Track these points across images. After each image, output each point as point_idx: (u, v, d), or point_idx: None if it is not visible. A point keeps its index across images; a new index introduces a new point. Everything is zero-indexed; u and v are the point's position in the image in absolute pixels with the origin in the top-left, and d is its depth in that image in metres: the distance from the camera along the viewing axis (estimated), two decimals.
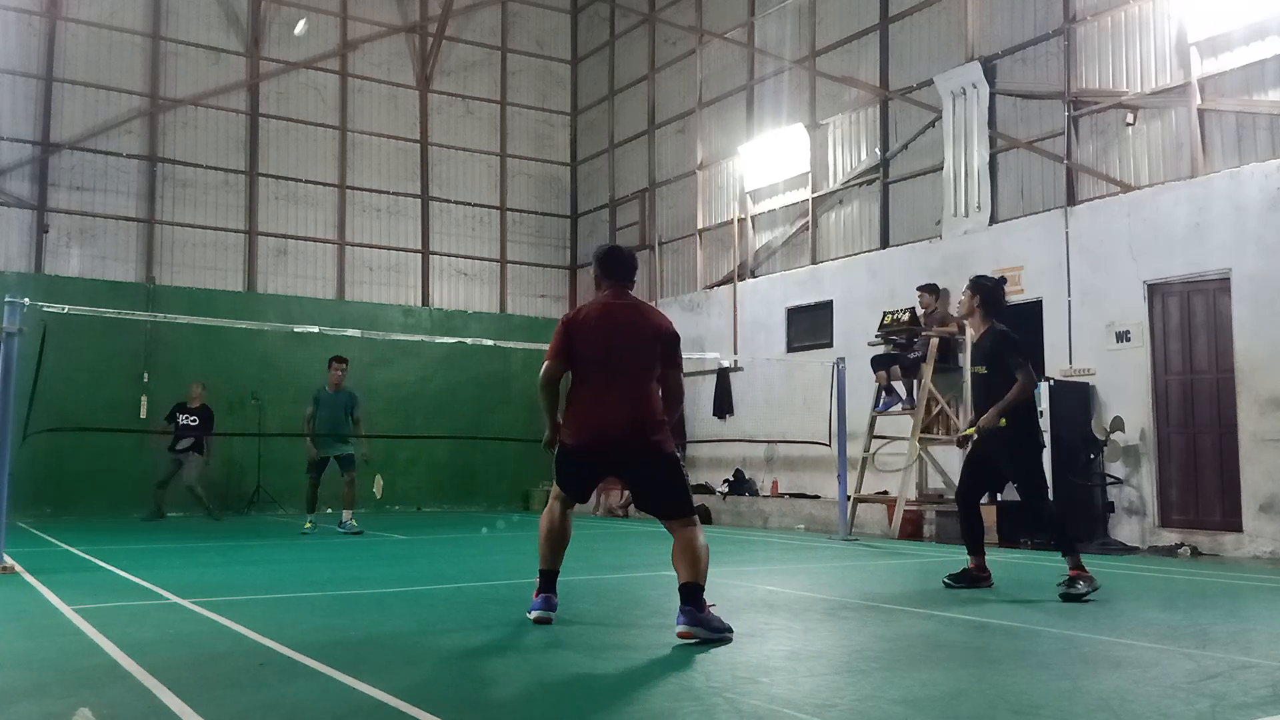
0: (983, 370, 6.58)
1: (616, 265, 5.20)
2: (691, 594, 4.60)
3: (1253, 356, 9.17)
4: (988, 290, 6.65)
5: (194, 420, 13.98)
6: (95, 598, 5.86)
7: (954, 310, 6.87)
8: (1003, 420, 6.33)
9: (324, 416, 11.46)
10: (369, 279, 17.30)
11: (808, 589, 6.63)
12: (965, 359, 11.70)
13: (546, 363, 5.07)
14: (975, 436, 6.55)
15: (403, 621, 5.23)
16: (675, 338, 5.11)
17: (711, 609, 4.63)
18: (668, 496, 4.92)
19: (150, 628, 4.89)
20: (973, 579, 6.61)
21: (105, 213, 15.33)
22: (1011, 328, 6.65)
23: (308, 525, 11.21)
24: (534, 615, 5.00)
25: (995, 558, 8.81)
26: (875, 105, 13.46)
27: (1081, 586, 6.01)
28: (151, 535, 11.14)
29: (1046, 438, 9.87)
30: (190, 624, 5.04)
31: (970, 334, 6.74)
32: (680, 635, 4.53)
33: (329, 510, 12.32)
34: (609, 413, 4.92)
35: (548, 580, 5.10)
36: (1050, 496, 6.80)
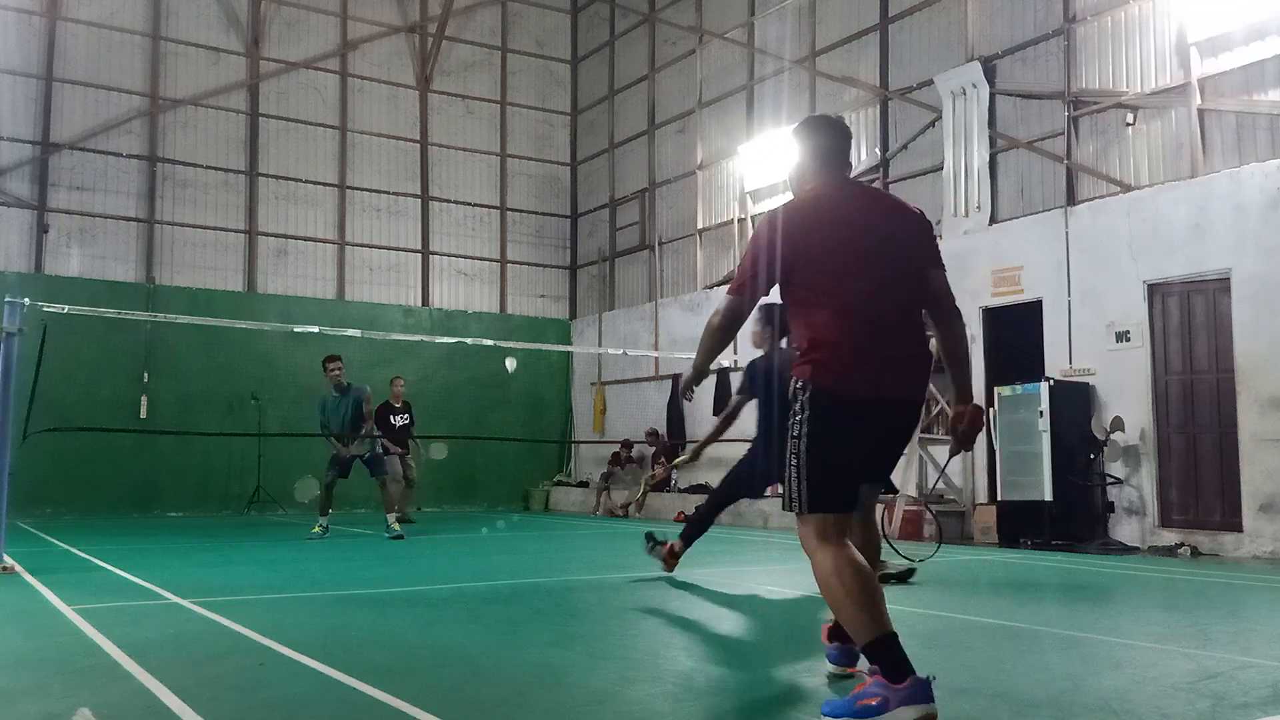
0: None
1: (834, 138, 3.56)
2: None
3: (1253, 356, 9.17)
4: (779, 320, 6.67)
5: (405, 419, 13.23)
6: (95, 598, 5.86)
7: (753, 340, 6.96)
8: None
9: (339, 424, 10.79)
10: (369, 279, 17.30)
11: (809, 589, 6.63)
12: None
13: (734, 295, 3.37)
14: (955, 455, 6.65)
15: (403, 621, 5.23)
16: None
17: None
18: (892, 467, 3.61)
19: (150, 628, 4.88)
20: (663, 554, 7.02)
21: (105, 213, 15.34)
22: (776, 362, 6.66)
23: (316, 529, 10.48)
24: (913, 715, 2.92)
25: (995, 557, 8.83)
26: (875, 105, 13.46)
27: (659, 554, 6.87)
28: (151, 535, 11.14)
29: (1046, 438, 9.91)
30: (190, 624, 5.03)
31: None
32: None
33: (339, 511, 12.29)
34: (898, 351, 3.34)
35: (893, 648, 3.01)
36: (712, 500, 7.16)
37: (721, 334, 3.43)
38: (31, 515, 12.74)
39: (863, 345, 3.25)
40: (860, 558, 3.15)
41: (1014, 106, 11.67)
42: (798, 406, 3.22)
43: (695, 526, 6.97)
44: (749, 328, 6.15)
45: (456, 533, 12.21)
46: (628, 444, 16.26)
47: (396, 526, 10.87)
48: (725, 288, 3.44)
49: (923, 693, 2.92)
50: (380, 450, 11.32)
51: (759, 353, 6.61)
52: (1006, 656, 4.33)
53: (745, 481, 6.90)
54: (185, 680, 3.63)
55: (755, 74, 15.45)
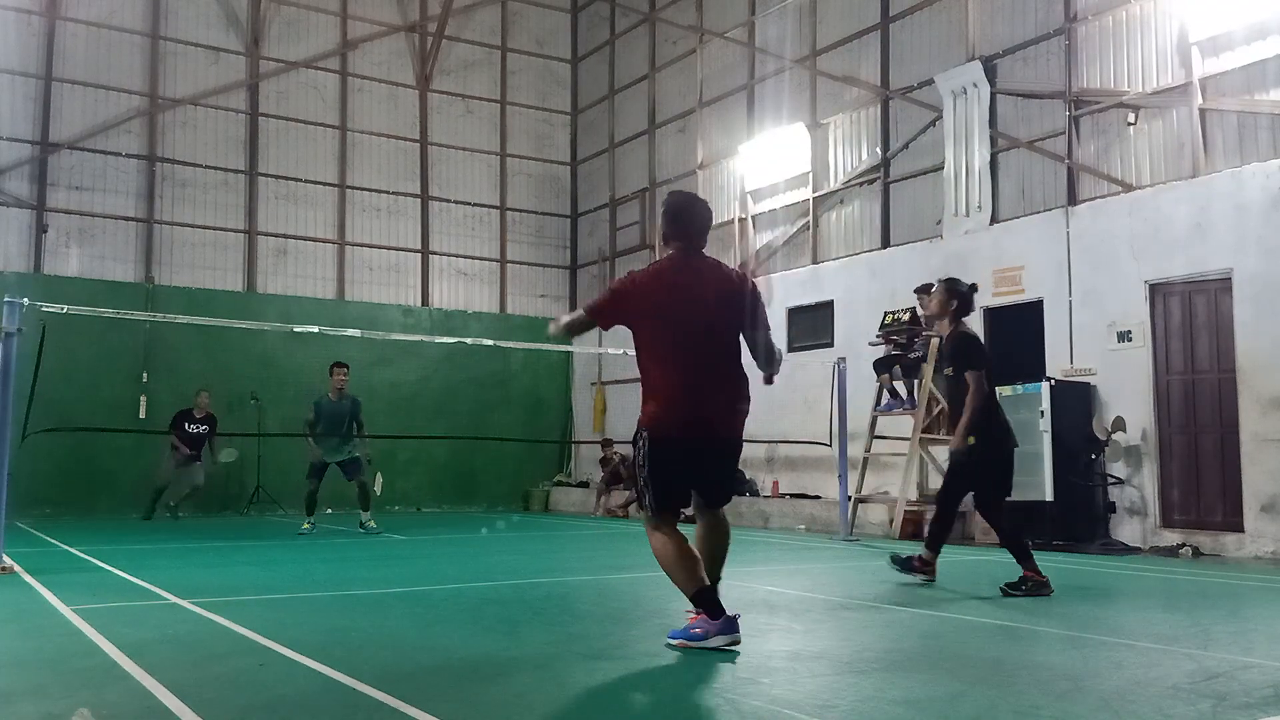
0: (949, 372, 6.72)
1: (691, 220, 4.57)
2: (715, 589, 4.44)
3: (1254, 356, 9.16)
4: (962, 295, 6.73)
5: (203, 429, 14.09)
6: (95, 598, 5.85)
7: (926, 310, 7.01)
8: (970, 439, 6.43)
9: (327, 426, 11.21)
10: (369, 279, 17.28)
11: (808, 589, 6.62)
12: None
13: (584, 314, 4.59)
14: (955, 460, 6.64)
15: (402, 621, 5.22)
16: (758, 293, 4.59)
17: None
18: (730, 484, 4.72)
19: (150, 628, 4.87)
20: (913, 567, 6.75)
21: (104, 212, 15.32)
22: (972, 336, 6.73)
23: (306, 526, 11.08)
24: (724, 642, 4.26)
25: (995, 558, 8.81)
26: (876, 105, 13.45)
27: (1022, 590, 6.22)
28: (151, 535, 11.13)
29: (1047, 438, 9.89)
30: (190, 624, 5.02)
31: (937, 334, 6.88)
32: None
33: (329, 510, 12.31)
34: (710, 398, 4.39)
35: (708, 595, 4.33)
36: (944, 507, 6.84)
37: (566, 335, 4.88)
38: (30, 515, 12.73)
39: (687, 395, 4.34)
40: (681, 536, 4.34)
41: (1015, 106, 11.66)
42: (640, 442, 4.40)
43: (939, 527, 6.79)
44: (931, 299, 7.16)
45: (456, 533, 12.21)
46: (608, 443, 16.25)
47: (373, 524, 11.34)
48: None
49: (731, 626, 4.25)
50: (358, 455, 11.55)
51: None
52: (1007, 657, 4.32)
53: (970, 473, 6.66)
54: (184, 681, 3.62)
55: (756, 73, 15.43)
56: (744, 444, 4.66)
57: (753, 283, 4.58)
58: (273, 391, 15.17)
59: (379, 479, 14.56)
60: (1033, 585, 6.21)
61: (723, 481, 4.59)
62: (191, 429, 14.06)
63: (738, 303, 4.45)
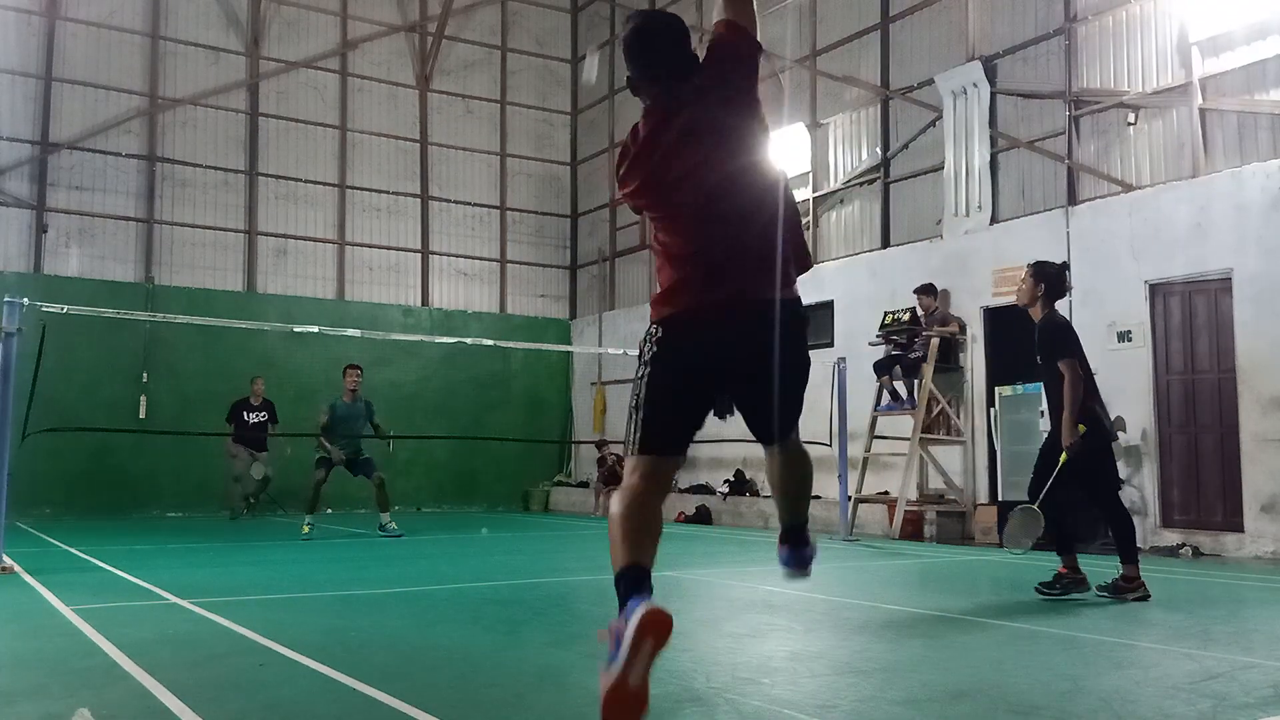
0: (1041, 361, 6.29)
1: (641, 53, 3.19)
2: (804, 529, 3.57)
3: (1254, 356, 9.16)
4: (1051, 277, 6.30)
5: (262, 416, 14.15)
6: (95, 598, 5.85)
7: (1017, 298, 6.57)
8: (1081, 427, 6.06)
9: (342, 428, 11.10)
10: (369, 279, 17.28)
11: (808, 589, 6.62)
12: (966, 358, 11.71)
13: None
14: (1068, 456, 6.24)
15: (402, 622, 5.22)
16: (734, 44, 3.30)
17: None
18: (798, 399, 3.27)
19: (150, 628, 4.87)
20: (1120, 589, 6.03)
21: (104, 212, 15.32)
22: (1061, 322, 6.32)
23: (306, 528, 10.70)
24: (637, 620, 2.76)
25: (995, 558, 8.82)
26: (876, 105, 13.45)
27: (1128, 597, 5.87)
28: (150, 535, 11.13)
29: (1047, 438, 9.86)
30: (190, 624, 5.02)
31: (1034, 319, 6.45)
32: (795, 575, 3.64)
33: (328, 510, 12.31)
34: (734, 249, 3.06)
35: (636, 578, 2.95)
36: (1118, 500, 6.39)
37: None
38: (30, 515, 12.73)
39: (700, 255, 3.08)
40: (650, 497, 3.08)
41: (1015, 106, 11.66)
42: (644, 350, 3.13)
43: (1059, 533, 6.27)
44: (1020, 286, 6.34)
45: (456, 533, 12.21)
46: (604, 443, 16.27)
47: (393, 525, 11.07)
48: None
49: (637, 600, 2.86)
50: (369, 456, 11.49)
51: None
52: (1007, 657, 4.32)
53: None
54: (184, 681, 3.62)
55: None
56: (805, 321, 3.27)
57: (722, 39, 3.30)
58: (273, 391, 15.15)
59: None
60: (1138, 588, 5.89)
61: (771, 386, 3.12)
62: (251, 417, 14.07)
63: (722, 102, 3.14)
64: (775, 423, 3.23)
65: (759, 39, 3.28)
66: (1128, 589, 5.94)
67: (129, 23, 15.75)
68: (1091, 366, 6.37)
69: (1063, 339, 6.15)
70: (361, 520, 13.09)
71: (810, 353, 3.29)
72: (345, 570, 7.91)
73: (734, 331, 3.07)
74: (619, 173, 3.17)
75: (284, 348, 15.49)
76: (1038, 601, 6.00)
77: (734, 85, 3.20)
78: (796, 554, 3.54)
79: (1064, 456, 6.15)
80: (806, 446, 3.51)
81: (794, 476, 3.45)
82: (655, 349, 3.09)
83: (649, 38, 3.19)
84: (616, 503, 3.07)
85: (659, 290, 3.16)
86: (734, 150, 3.11)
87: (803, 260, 3.24)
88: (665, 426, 3.08)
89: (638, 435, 3.09)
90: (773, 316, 3.06)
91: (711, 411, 3.23)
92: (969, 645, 4.62)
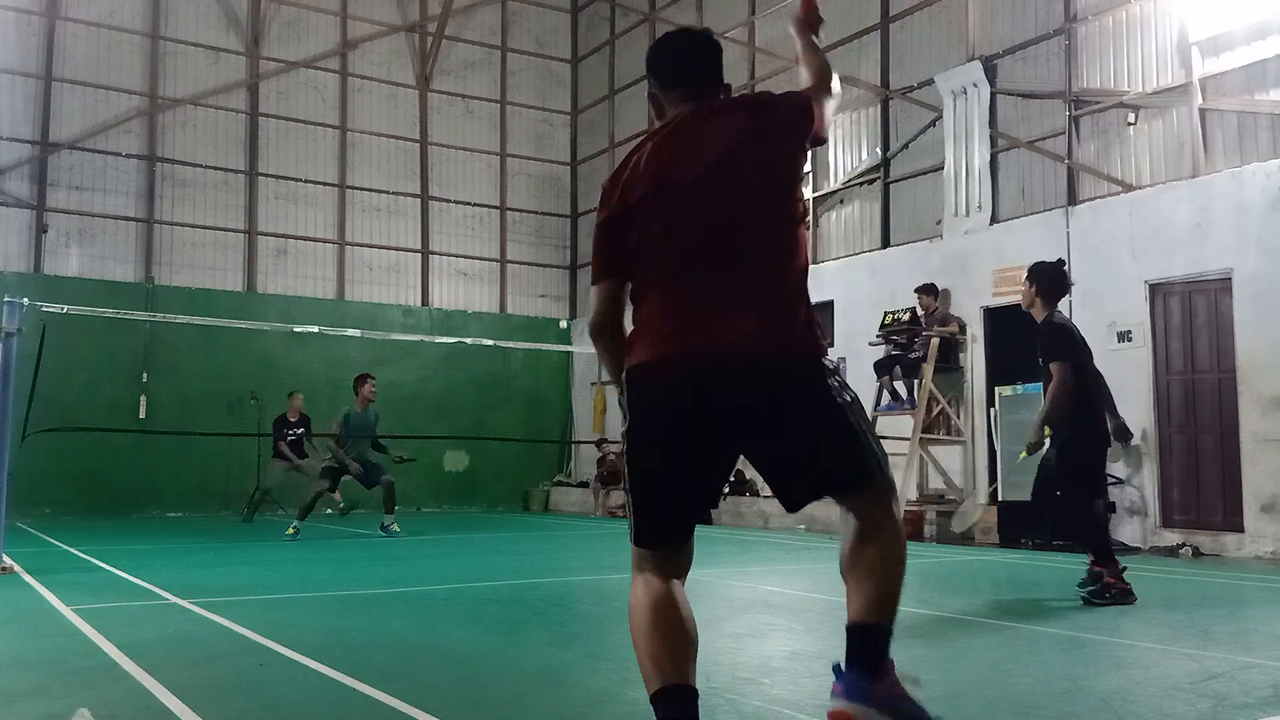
0: (1041, 363, 6.20)
1: (667, 59, 2.87)
2: (874, 641, 2.47)
3: (1254, 356, 9.16)
4: (1045, 277, 6.22)
5: (299, 432, 13.77)
6: (94, 598, 5.85)
7: (1021, 301, 6.43)
8: (1047, 430, 5.99)
9: (357, 437, 11.03)
10: (369, 279, 17.28)
11: (808, 589, 6.62)
12: (966, 358, 11.71)
13: (593, 287, 2.71)
14: (1027, 455, 6.20)
15: (402, 622, 5.22)
16: (804, 104, 2.79)
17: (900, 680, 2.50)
18: (846, 448, 2.51)
19: (149, 628, 4.87)
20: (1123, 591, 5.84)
21: (104, 212, 15.32)
22: (1060, 324, 6.22)
23: (291, 530, 10.49)
24: None
25: (996, 558, 8.81)
26: (876, 105, 13.44)
27: (1106, 596, 5.73)
28: (150, 535, 11.13)
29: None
30: (189, 624, 5.02)
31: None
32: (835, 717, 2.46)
33: (328, 510, 12.30)
34: (716, 317, 2.50)
35: (678, 703, 2.45)
36: (1095, 500, 6.24)
37: (598, 340, 2.74)
38: (30, 515, 12.73)
39: (680, 310, 2.55)
40: (665, 591, 2.50)
41: (1015, 106, 11.66)
42: (623, 412, 2.62)
43: (1095, 538, 6.09)
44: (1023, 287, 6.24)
45: (456, 533, 12.21)
46: (604, 442, 16.28)
47: (395, 527, 11.04)
48: None
49: None
50: (378, 462, 11.43)
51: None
52: (1007, 657, 4.32)
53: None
54: (184, 681, 3.62)
55: (756, 73, 15.43)
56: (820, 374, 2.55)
57: (796, 96, 2.83)
58: (272, 392, 15.15)
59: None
60: (1116, 590, 5.78)
61: (805, 439, 2.48)
62: (290, 434, 13.75)
63: (762, 142, 2.63)
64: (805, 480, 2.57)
65: (822, 134, 2.80)
66: (1118, 588, 5.85)
67: (129, 23, 15.75)
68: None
69: (1058, 341, 6.08)
70: (362, 520, 13.09)
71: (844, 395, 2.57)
72: (345, 570, 7.91)
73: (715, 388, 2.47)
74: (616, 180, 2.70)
75: (284, 348, 15.49)
76: (1038, 601, 5.99)
77: (784, 133, 2.71)
78: (862, 684, 2.43)
79: (1023, 454, 6.16)
80: (897, 510, 2.58)
81: (864, 555, 2.51)
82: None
83: (687, 41, 2.92)
84: (636, 597, 2.54)
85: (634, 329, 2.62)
86: (756, 185, 2.60)
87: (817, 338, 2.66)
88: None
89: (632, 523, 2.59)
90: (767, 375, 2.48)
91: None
92: (969, 645, 4.62)
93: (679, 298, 2.53)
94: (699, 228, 2.55)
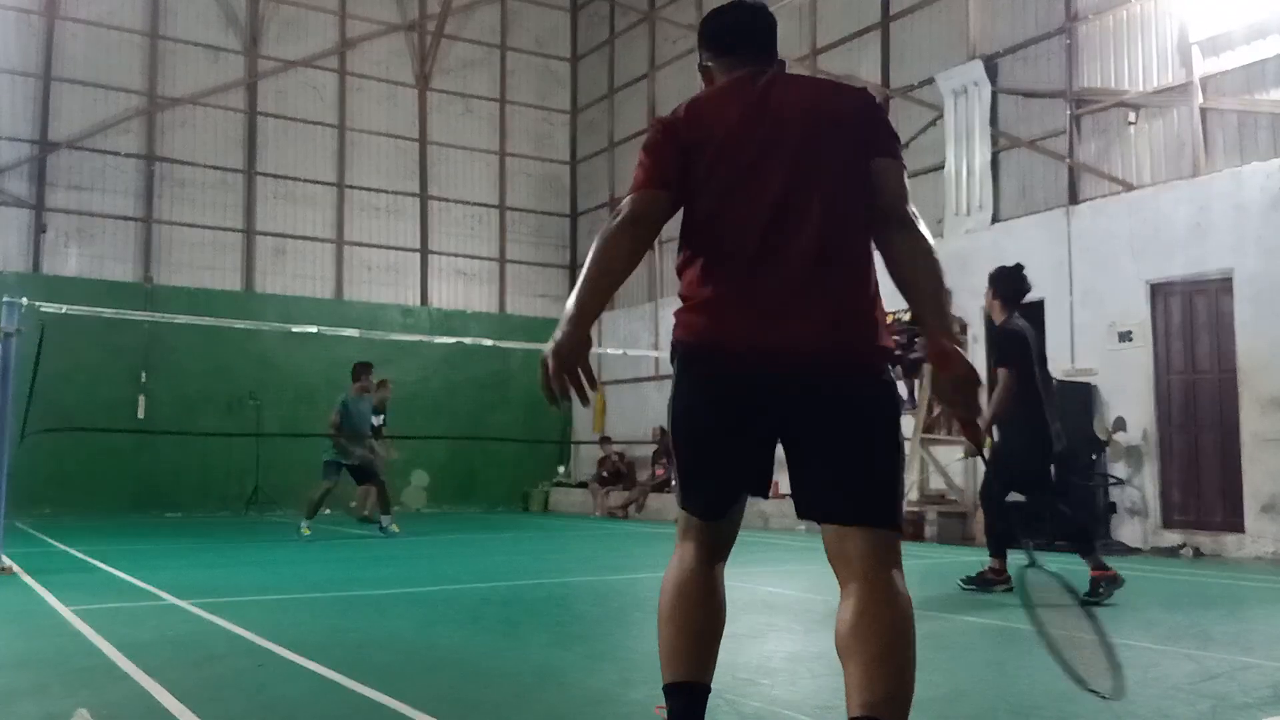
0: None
1: (726, 23, 2.69)
2: None
3: (1255, 356, 9.16)
4: (998, 281, 6.33)
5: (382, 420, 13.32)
6: (94, 599, 5.84)
7: (984, 306, 6.62)
8: (991, 433, 6.16)
9: (355, 425, 10.91)
10: (368, 278, 17.28)
11: (808, 590, 6.62)
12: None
13: (632, 194, 2.60)
14: (970, 455, 6.38)
15: (402, 622, 5.21)
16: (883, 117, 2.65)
17: None
18: (877, 480, 2.38)
19: (149, 629, 4.87)
20: (988, 581, 6.27)
21: (103, 212, 15.31)
22: (1011, 330, 6.37)
23: (305, 530, 10.44)
24: None
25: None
26: None
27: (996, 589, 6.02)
28: (150, 536, 11.13)
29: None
30: (189, 625, 5.02)
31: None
32: None
33: (327, 511, 12.26)
34: (785, 306, 2.42)
35: (684, 702, 2.41)
36: (1014, 503, 6.45)
37: (616, 239, 2.70)
38: (30, 516, 12.71)
39: (743, 293, 2.50)
40: (698, 569, 2.56)
41: (1016, 105, 11.66)
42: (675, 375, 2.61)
43: (996, 538, 6.32)
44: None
45: (456, 533, 12.20)
46: (606, 440, 16.28)
47: (394, 527, 11.04)
48: None
49: None
50: (372, 457, 11.37)
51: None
52: (1008, 658, 4.31)
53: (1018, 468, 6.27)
54: (184, 681, 3.61)
55: None
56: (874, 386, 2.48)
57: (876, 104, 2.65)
58: (271, 391, 15.17)
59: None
60: (1004, 580, 6.13)
61: (833, 459, 2.36)
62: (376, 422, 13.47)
63: (849, 135, 2.50)
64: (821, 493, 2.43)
65: (904, 197, 2.69)
66: (996, 581, 6.17)
67: (128, 22, 15.74)
68: (1052, 374, 6.42)
69: (1006, 346, 6.26)
70: (360, 521, 13.08)
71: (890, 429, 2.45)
72: (345, 570, 7.90)
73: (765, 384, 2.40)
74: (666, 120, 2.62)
75: (283, 348, 15.47)
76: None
77: (867, 131, 2.57)
78: None
79: (962, 456, 6.33)
80: (898, 580, 2.35)
81: (862, 632, 2.23)
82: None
83: (749, 13, 2.69)
84: (669, 572, 2.52)
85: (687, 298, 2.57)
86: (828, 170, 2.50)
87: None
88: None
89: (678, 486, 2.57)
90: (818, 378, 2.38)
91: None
92: (970, 646, 4.62)
93: (751, 281, 2.44)
94: (778, 199, 2.44)
